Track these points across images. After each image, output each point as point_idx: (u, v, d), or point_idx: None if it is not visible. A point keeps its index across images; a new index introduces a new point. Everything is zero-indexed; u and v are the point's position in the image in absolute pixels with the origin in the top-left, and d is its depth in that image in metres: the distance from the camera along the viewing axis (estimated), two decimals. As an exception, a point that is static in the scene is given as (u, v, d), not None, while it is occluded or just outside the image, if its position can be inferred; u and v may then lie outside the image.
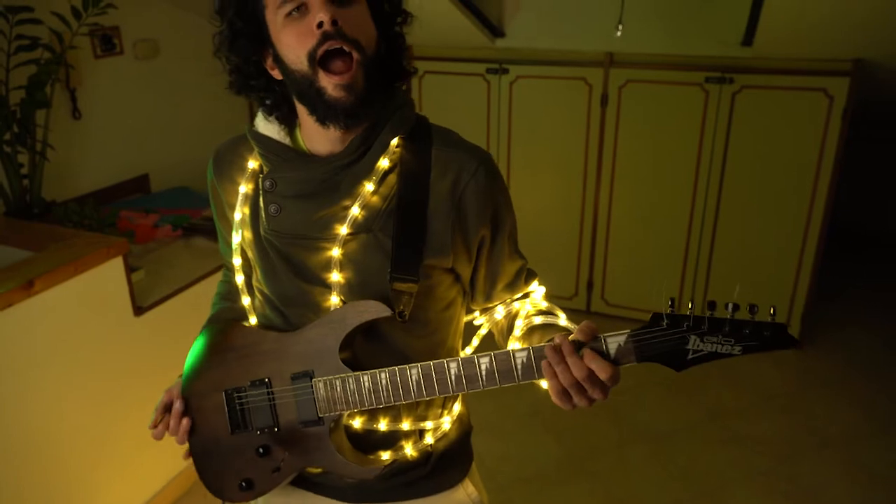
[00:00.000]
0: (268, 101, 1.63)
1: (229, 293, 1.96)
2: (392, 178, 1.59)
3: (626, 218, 5.05)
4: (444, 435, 1.80)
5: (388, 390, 1.55)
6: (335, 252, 1.58)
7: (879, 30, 3.94)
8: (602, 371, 1.40)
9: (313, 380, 1.60)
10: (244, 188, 1.69)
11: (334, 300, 1.61)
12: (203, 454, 1.76)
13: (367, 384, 1.56)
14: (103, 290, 3.13)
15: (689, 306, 1.39)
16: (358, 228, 1.58)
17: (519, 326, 1.69)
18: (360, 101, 1.50)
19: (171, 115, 4.99)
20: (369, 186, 1.56)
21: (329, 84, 1.48)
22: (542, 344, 1.46)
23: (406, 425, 1.70)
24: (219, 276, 2.07)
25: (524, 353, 1.47)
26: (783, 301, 4.85)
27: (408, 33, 1.67)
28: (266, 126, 1.64)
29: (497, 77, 5.01)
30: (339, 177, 1.57)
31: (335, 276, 1.59)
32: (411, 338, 1.66)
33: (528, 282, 1.80)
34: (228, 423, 1.70)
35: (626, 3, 4.13)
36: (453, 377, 1.52)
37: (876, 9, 3.73)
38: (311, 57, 1.47)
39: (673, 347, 1.39)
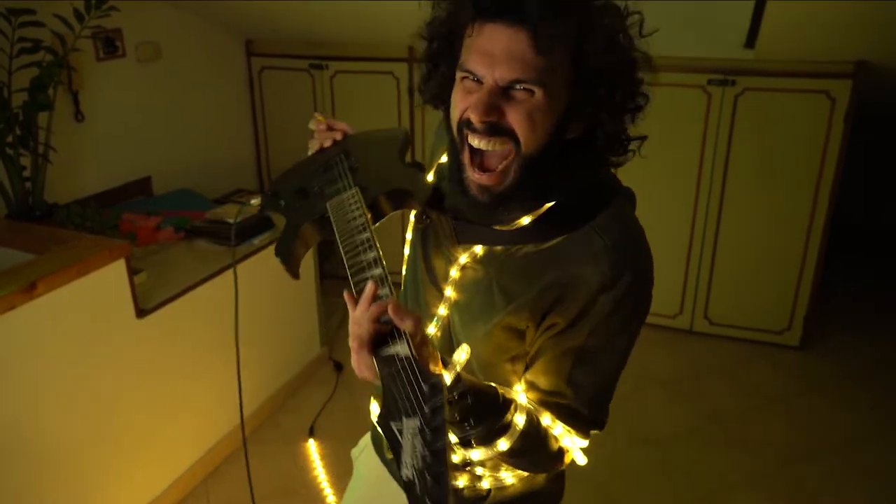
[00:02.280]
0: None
1: None
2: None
3: (629, 220, 5.02)
4: (503, 486, 1.73)
5: (345, 227, 1.51)
6: (453, 272, 1.59)
7: (882, 32, 3.94)
8: (358, 340, 1.23)
9: (353, 188, 1.62)
10: (431, 177, 1.73)
11: (441, 311, 1.63)
12: (298, 169, 1.88)
13: (352, 214, 1.53)
14: (105, 293, 3.13)
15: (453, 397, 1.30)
16: (477, 262, 1.57)
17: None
18: (496, 202, 1.46)
19: (173, 118, 4.99)
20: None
21: (470, 170, 1.45)
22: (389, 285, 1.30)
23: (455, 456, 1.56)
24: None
25: (386, 290, 1.29)
26: (786, 303, 4.85)
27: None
28: None
29: (499, 79, 5.00)
30: (484, 213, 1.51)
31: (448, 292, 1.61)
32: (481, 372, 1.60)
33: (554, 412, 1.57)
34: (318, 170, 1.79)
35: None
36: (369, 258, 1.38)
37: (878, 11, 3.72)
38: (461, 130, 1.44)
39: (421, 416, 1.08)
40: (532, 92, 1.36)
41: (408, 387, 1.12)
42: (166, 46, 4.85)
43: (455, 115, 1.44)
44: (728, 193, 4.73)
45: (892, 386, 4.59)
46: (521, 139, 1.39)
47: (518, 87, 1.36)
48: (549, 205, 1.51)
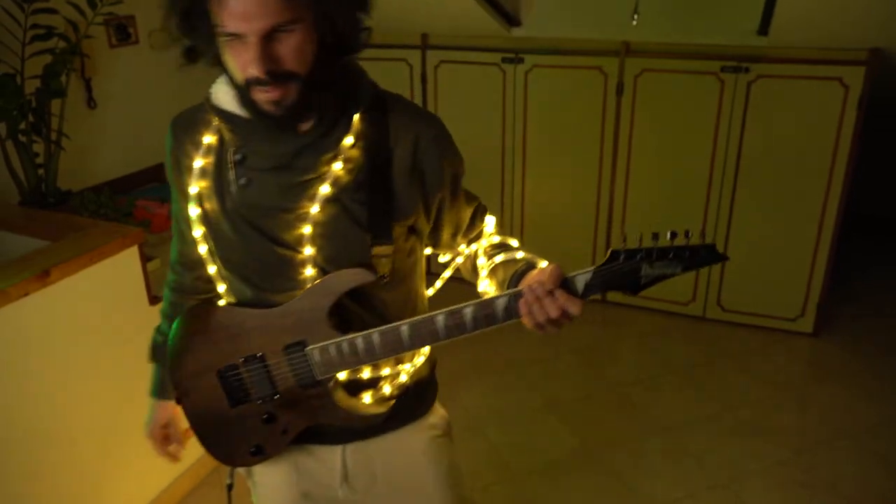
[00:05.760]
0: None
1: (178, 300, 2.05)
2: (354, 151, 1.66)
3: (642, 207, 5.04)
4: (416, 370, 1.91)
5: (382, 348, 1.66)
6: (307, 230, 1.66)
7: (895, 19, 3.93)
8: (574, 307, 1.54)
9: (307, 348, 1.68)
10: (200, 162, 1.74)
11: (309, 272, 1.68)
12: (207, 430, 1.85)
13: (361, 345, 1.66)
14: (119, 280, 3.14)
15: (639, 239, 1.57)
16: (328, 204, 1.65)
17: (482, 266, 1.85)
18: (290, 113, 1.56)
19: (186, 105, 4.98)
20: (337, 165, 1.64)
21: (261, 97, 1.54)
22: (518, 289, 1.58)
23: (387, 370, 1.82)
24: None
25: (504, 299, 1.58)
26: (799, 290, 4.84)
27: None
28: (228, 100, 1.66)
29: (513, 66, 5.00)
30: (307, 152, 1.63)
31: (308, 251, 1.67)
32: (384, 291, 1.75)
33: (482, 220, 1.94)
34: (227, 399, 1.78)
35: (642, -9, 4.13)
36: (442, 328, 1.61)
37: (893, -3, 3.72)
38: (248, 86, 1.53)
39: (629, 277, 1.56)
40: (293, 30, 1.50)
41: (619, 270, 1.57)
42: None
43: (239, 76, 1.54)
44: (741, 180, 4.72)
45: (907, 374, 4.59)
46: (299, 70, 1.53)
47: (280, 30, 1.48)
48: (356, 116, 1.67)
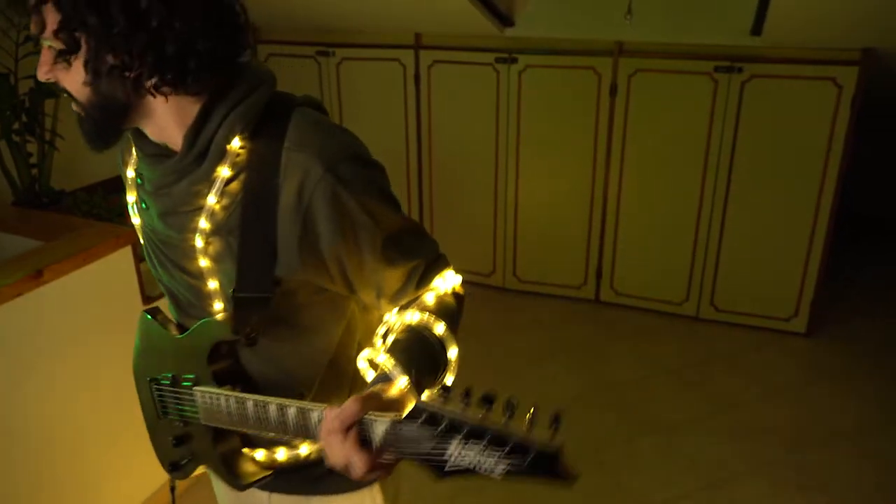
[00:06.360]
0: None
1: None
2: (235, 185, 1.41)
3: (636, 207, 5.04)
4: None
5: (239, 417, 1.46)
6: (203, 262, 1.47)
7: (888, 19, 3.93)
8: (358, 461, 1.20)
9: (194, 388, 1.53)
10: (131, 173, 1.58)
11: (217, 305, 1.51)
12: (150, 431, 1.76)
13: (234, 407, 1.47)
14: (112, 280, 3.14)
15: (463, 397, 1.14)
16: (213, 238, 1.45)
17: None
18: (86, 133, 1.41)
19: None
20: (212, 199, 1.41)
21: None
22: (324, 407, 1.31)
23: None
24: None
25: (317, 413, 1.32)
26: (792, 290, 4.85)
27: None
28: None
29: (506, 66, 5.00)
30: (182, 180, 1.43)
31: (212, 284, 1.49)
32: (279, 343, 1.54)
33: (422, 283, 1.54)
34: (154, 410, 1.67)
35: (636, -9, 4.13)
36: (275, 418, 1.40)
37: (886, -2, 3.72)
38: None
39: (433, 451, 1.12)
40: (51, 46, 1.31)
41: (421, 436, 1.13)
42: (172, 33, 4.84)
43: None
44: (734, 180, 4.73)
45: (899, 373, 4.59)
46: (74, 94, 1.36)
47: (44, 42, 1.32)
48: (237, 143, 1.40)
